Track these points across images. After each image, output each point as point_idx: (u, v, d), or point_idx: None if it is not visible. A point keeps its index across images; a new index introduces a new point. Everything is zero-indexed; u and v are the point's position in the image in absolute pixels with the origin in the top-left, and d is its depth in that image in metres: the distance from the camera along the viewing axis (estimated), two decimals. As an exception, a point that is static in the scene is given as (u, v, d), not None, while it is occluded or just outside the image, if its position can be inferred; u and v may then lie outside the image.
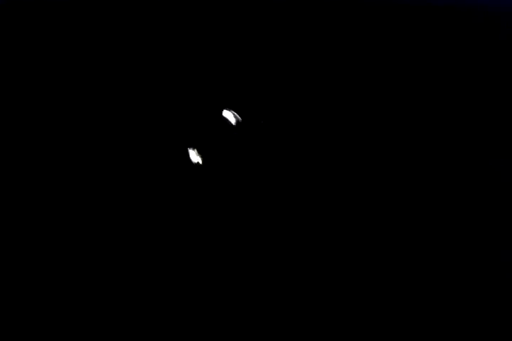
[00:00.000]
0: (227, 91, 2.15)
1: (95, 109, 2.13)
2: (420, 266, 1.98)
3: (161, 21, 2.18)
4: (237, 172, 2.09)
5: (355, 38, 2.18)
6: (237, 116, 1.85)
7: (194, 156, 1.88)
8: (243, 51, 2.18)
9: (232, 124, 2.06)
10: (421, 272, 1.97)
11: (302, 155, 2.11)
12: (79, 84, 2.15)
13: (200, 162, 1.89)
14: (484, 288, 1.90)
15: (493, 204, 2.04)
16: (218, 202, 2.05)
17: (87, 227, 2.01)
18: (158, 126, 2.12)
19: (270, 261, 2.00)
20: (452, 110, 2.14)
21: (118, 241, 2.00)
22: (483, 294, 1.91)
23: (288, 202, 2.06)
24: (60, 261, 1.97)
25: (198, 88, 2.16)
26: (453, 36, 2.18)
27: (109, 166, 2.08)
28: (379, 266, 1.98)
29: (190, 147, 2.00)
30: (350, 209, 2.06)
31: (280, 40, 2.19)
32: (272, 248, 2.01)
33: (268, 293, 1.95)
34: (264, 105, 2.15)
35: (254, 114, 2.14)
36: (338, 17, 2.19)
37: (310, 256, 2.00)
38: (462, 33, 2.18)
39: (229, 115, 1.98)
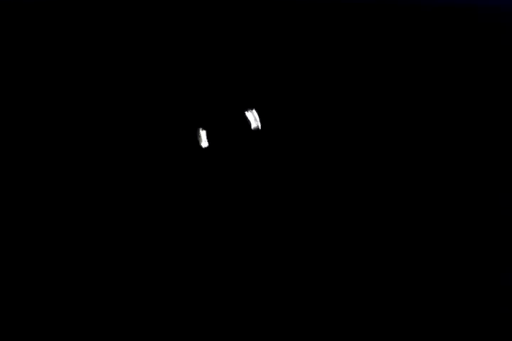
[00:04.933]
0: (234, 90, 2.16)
1: (100, 107, 2.13)
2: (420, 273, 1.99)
3: (167, 23, 2.17)
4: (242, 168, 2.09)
5: (356, 39, 2.18)
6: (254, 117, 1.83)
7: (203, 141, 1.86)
8: (249, 51, 2.18)
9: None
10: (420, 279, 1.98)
11: (306, 154, 2.11)
12: (81, 84, 2.15)
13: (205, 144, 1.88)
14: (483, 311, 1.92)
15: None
16: (225, 199, 2.06)
17: (88, 224, 2.01)
18: (163, 126, 2.12)
19: (273, 259, 2.00)
20: (454, 111, 2.14)
21: (121, 238, 2.00)
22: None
23: (294, 200, 2.06)
24: (60, 261, 1.97)
25: (204, 87, 2.16)
26: (453, 37, 2.18)
27: (113, 161, 2.08)
28: (378, 271, 1.99)
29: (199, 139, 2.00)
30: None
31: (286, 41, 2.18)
32: (275, 246, 2.02)
33: (268, 293, 1.95)
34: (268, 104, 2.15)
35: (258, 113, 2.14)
36: (338, 18, 2.19)
37: (311, 256, 2.01)
38: (462, 33, 2.18)
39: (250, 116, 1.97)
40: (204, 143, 1.80)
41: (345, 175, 2.09)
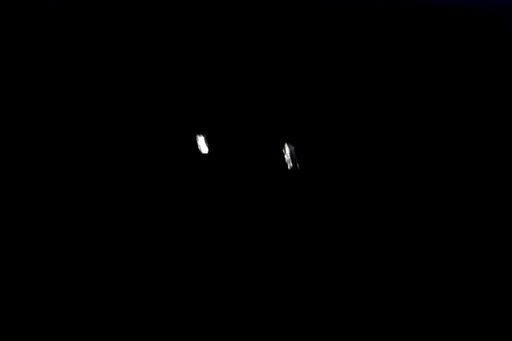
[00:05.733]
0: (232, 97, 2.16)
1: (100, 109, 2.14)
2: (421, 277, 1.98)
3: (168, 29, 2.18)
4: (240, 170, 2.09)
5: (357, 39, 2.18)
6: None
7: (203, 146, 1.86)
8: (245, 54, 2.18)
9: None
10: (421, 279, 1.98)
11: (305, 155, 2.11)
12: (80, 86, 2.15)
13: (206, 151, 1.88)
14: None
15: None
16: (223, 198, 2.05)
17: (89, 225, 2.01)
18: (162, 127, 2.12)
19: (274, 258, 2.00)
20: (454, 112, 2.14)
21: (122, 238, 2.00)
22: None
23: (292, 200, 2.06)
24: (60, 261, 1.97)
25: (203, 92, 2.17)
26: (453, 36, 2.18)
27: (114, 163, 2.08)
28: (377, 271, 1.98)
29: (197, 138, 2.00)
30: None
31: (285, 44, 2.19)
32: (276, 246, 2.02)
33: (268, 294, 1.95)
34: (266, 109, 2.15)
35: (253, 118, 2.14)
36: (338, 18, 2.19)
37: (311, 257, 2.00)
38: (462, 33, 2.18)
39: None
40: (203, 149, 1.80)
41: (346, 174, 2.09)
